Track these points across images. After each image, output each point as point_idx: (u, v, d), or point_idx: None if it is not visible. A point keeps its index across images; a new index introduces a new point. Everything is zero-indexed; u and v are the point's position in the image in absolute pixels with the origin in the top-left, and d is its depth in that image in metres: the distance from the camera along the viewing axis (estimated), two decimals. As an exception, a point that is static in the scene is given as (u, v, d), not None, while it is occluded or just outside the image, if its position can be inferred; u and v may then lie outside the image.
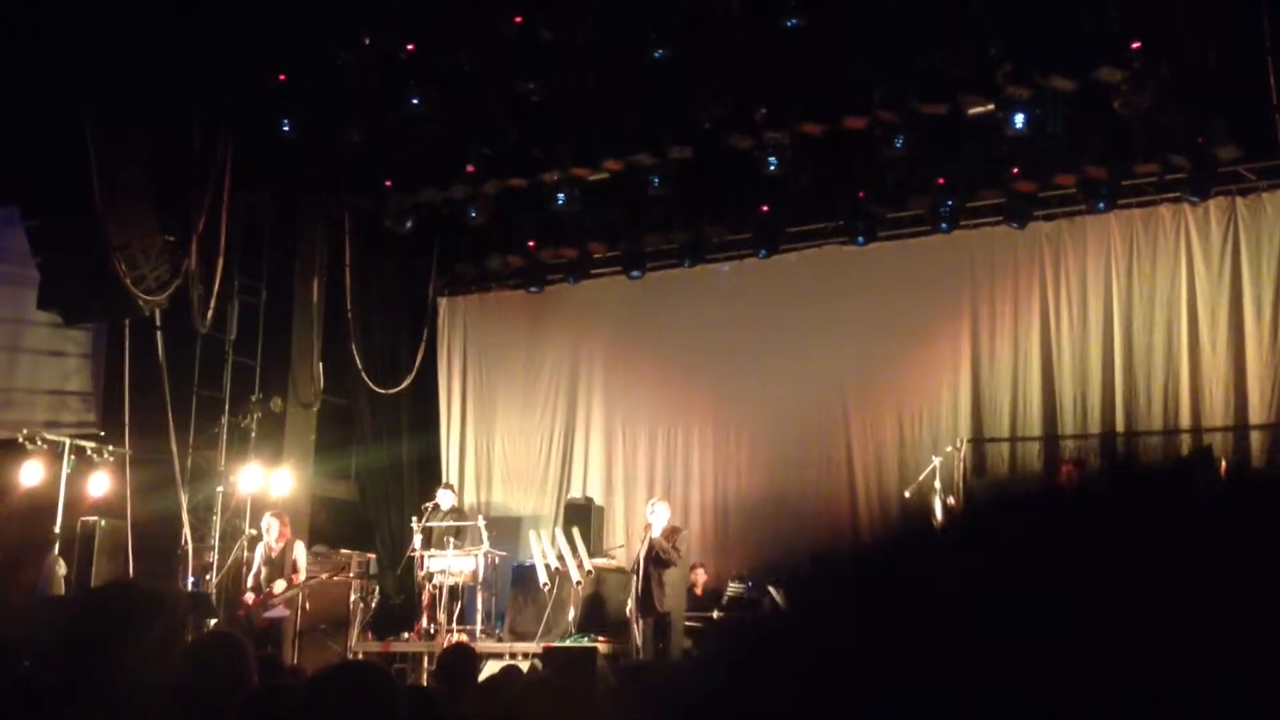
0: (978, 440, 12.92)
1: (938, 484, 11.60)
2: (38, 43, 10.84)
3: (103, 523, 11.53)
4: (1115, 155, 11.94)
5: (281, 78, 12.25)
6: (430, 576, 12.33)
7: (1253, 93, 10.49)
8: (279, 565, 11.29)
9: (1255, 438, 11.81)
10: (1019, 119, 11.20)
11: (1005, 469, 12.87)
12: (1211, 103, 11.03)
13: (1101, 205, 12.35)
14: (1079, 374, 12.71)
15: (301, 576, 11.28)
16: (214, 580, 12.17)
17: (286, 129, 12.44)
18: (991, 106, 11.28)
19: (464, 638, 11.70)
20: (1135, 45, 10.38)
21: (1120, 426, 12.40)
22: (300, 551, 11.48)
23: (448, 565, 12.14)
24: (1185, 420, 12.09)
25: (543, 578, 12.20)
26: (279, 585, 11.11)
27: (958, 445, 12.40)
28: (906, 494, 12.08)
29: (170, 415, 12.34)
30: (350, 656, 11.78)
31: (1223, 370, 12.01)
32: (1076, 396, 12.67)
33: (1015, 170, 12.28)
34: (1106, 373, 12.58)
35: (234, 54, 11.77)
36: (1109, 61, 10.55)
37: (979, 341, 13.28)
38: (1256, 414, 11.79)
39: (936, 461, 11.67)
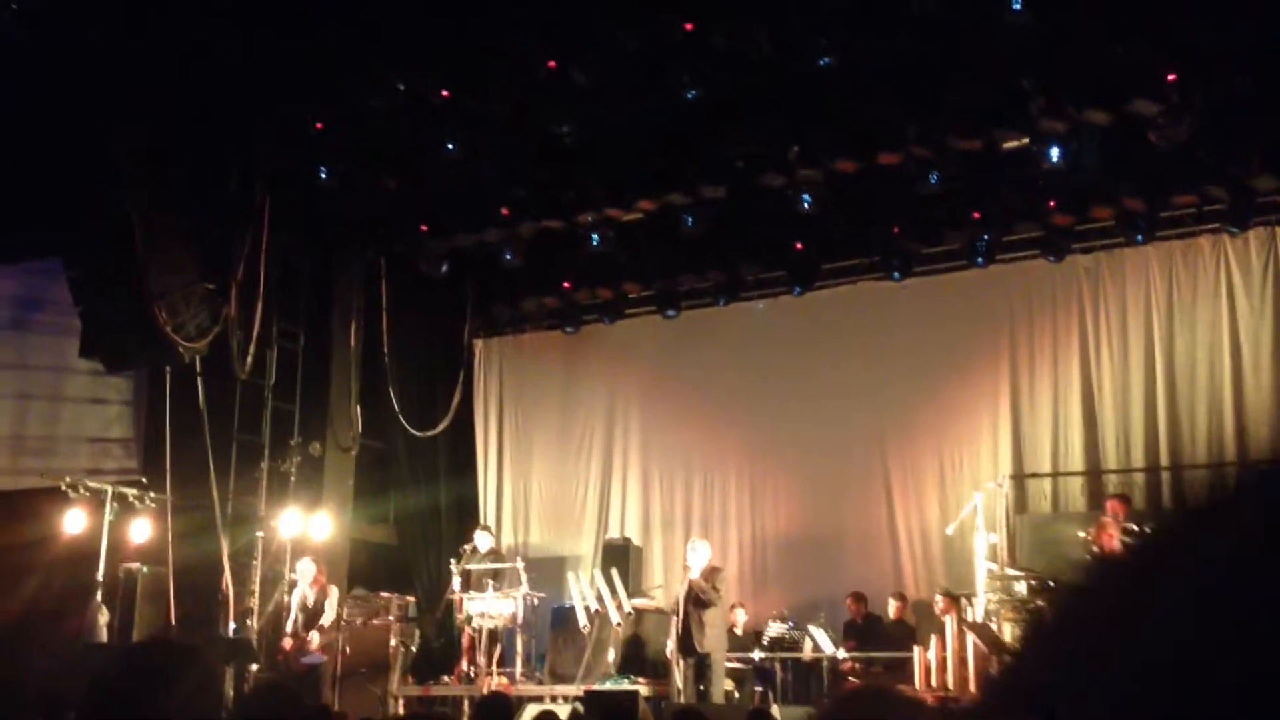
0: (1019, 476, 12.80)
1: (980, 521, 11.48)
2: (77, 94, 11.01)
3: (145, 569, 11.58)
4: (1152, 187, 11.88)
5: (318, 126, 12.37)
6: (469, 619, 12.30)
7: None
8: (315, 611, 11.31)
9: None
10: (1054, 152, 11.16)
11: (1048, 506, 12.73)
12: (1248, 133, 10.95)
13: (1140, 238, 12.28)
14: (1121, 408, 12.59)
15: (327, 622, 11.32)
16: (255, 625, 12.18)
17: (323, 176, 12.56)
18: (1026, 140, 11.25)
19: (504, 681, 11.66)
20: (1170, 77, 10.33)
21: (1165, 461, 12.26)
22: (333, 597, 11.50)
23: (487, 608, 12.11)
24: (1231, 453, 11.94)
25: (582, 620, 12.14)
26: (314, 635, 11.13)
27: (999, 482, 12.29)
28: (948, 531, 11.97)
29: (211, 461, 12.40)
30: (390, 701, 11.77)
31: (1267, 401, 11.86)
32: (1119, 431, 12.55)
33: (1052, 204, 12.24)
34: (1149, 406, 12.45)
35: (271, 103, 11.91)
36: (1144, 94, 10.51)
37: (1018, 376, 13.19)
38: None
39: (978, 499, 11.56)
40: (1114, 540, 9.99)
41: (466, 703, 11.74)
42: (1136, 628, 0.60)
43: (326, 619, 11.27)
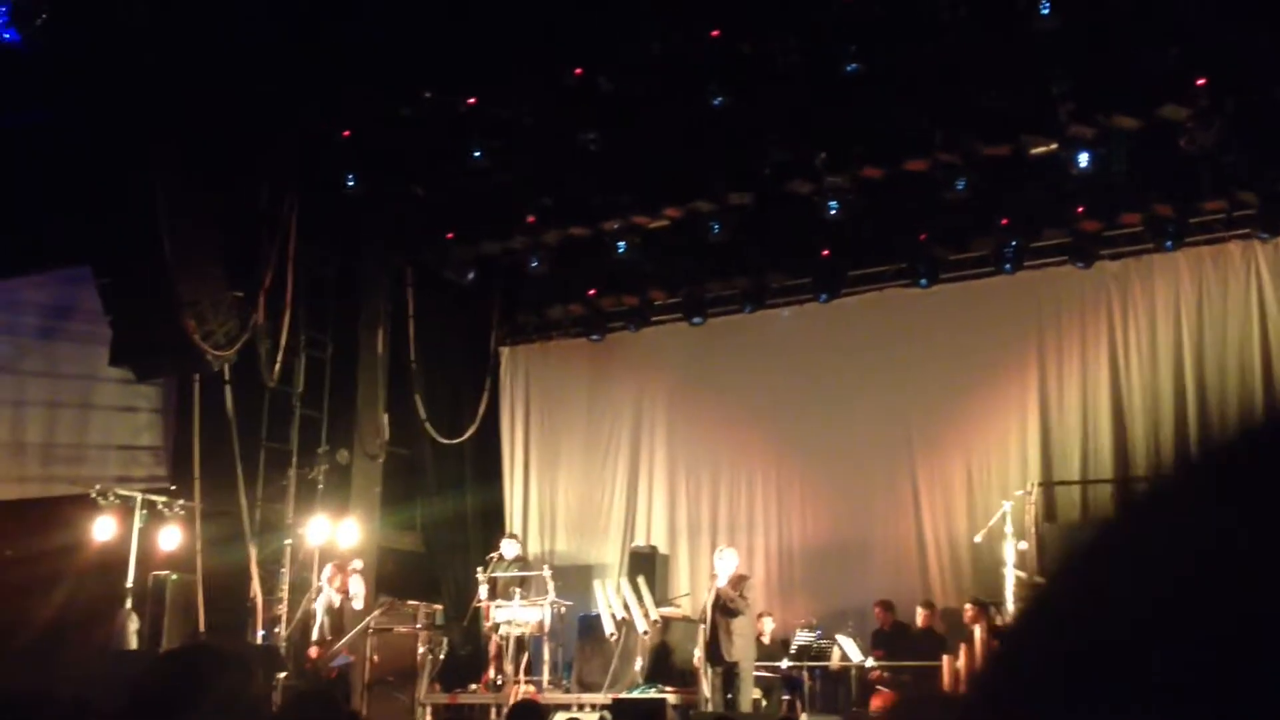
0: (1048, 484, 12.72)
1: (1009, 529, 11.41)
2: (107, 103, 11.09)
3: (174, 577, 11.64)
4: (1182, 193, 11.81)
5: (345, 134, 12.43)
6: (496, 627, 12.30)
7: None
8: (341, 615, 11.34)
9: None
10: (1083, 158, 11.10)
11: (1077, 514, 12.65)
12: (1278, 138, 10.87)
13: (1169, 244, 12.20)
14: (1150, 415, 12.49)
15: (357, 605, 11.37)
16: (283, 633, 12.22)
17: (351, 184, 12.61)
18: (1054, 146, 11.19)
19: (531, 689, 11.66)
20: (1200, 82, 10.27)
21: (1195, 468, 12.14)
22: (357, 585, 11.57)
23: (514, 616, 12.11)
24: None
25: (609, 628, 12.12)
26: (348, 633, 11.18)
27: (1028, 489, 12.21)
28: (977, 539, 11.90)
29: (239, 469, 12.47)
30: (418, 709, 11.79)
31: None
32: (1149, 438, 12.44)
33: (1080, 209, 12.18)
34: (1179, 413, 12.35)
35: (299, 112, 11.97)
36: (1173, 99, 10.45)
37: (1046, 383, 13.11)
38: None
39: (1007, 506, 11.49)
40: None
41: (494, 711, 11.74)
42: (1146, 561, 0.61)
43: (355, 602, 11.35)
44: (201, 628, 11.57)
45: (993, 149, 11.33)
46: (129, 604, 11.41)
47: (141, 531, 11.66)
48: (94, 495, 11.74)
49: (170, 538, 11.87)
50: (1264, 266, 12.13)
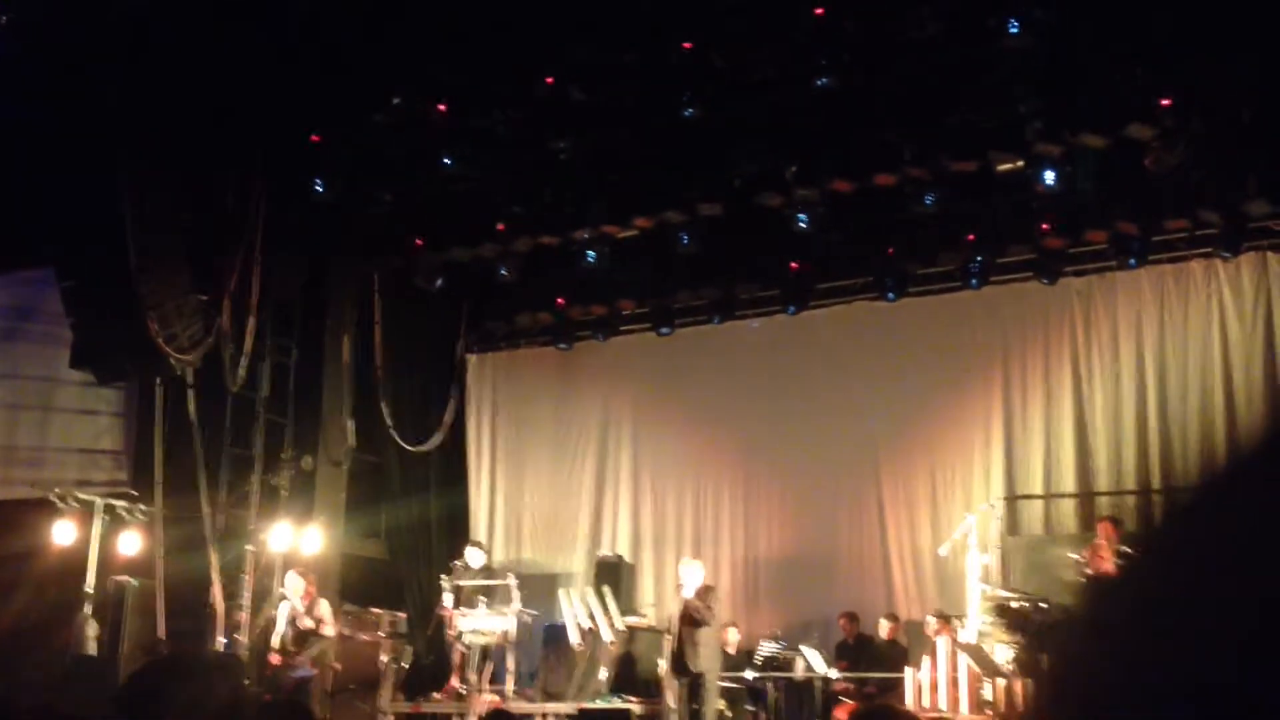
0: (1011, 498, 12.83)
1: (972, 542, 11.48)
2: (74, 104, 10.99)
3: (134, 582, 11.52)
4: (1146, 211, 11.93)
5: (315, 139, 12.37)
6: (461, 636, 12.25)
7: (1283, 148, 10.48)
8: (304, 624, 11.23)
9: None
10: (1049, 176, 11.21)
11: (1040, 528, 12.76)
12: (1243, 159, 11.02)
13: (1133, 261, 12.32)
14: (1113, 431, 12.62)
15: (329, 630, 11.22)
16: (245, 640, 12.12)
17: (319, 189, 12.54)
18: (1022, 163, 11.29)
19: (496, 698, 11.61)
20: (1165, 102, 10.40)
21: (1156, 484, 12.30)
22: (325, 609, 11.41)
23: (479, 624, 12.06)
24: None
25: (574, 637, 12.10)
26: (310, 648, 11.04)
27: (992, 503, 12.30)
28: (941, 552, 11.97)
29: (202, 474, 12.38)
30: (381, 718, 11.72)
31: (1258, 426, 11.88)
32: (1111, 453, 12.58)
33: (1046, 226, 12.27)
34: (1140, 429, 12.49)
35: (268, 115, 11.90)
36: (1139, 119, 10.57)
37: (1011, 398, 13.22)
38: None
39: (971, 520, 11.57)
40: (1106, 562, 10.01)
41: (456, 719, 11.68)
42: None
43: (325, 629, 11.18)
44: (162, 634, 11.46)
45: (961, 165, 11.41)
46: (88, 609, 11.30)
47: (102, 536, 11.56)
48: (54, 499, 11.62)
49: (131, 543, 11.76)
50: (1225, 286, 12.28)
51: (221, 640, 12.02)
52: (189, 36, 10.79)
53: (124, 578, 11.55)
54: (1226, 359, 12.18)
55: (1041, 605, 10.80)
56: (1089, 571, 10.17)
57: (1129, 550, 9.87)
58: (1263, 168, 11.04)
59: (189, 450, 12.31)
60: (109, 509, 11.75)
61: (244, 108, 11.65)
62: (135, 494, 12.18)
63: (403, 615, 13.26)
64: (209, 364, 12.18)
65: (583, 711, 10.87)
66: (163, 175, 11.42)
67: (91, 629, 11.29)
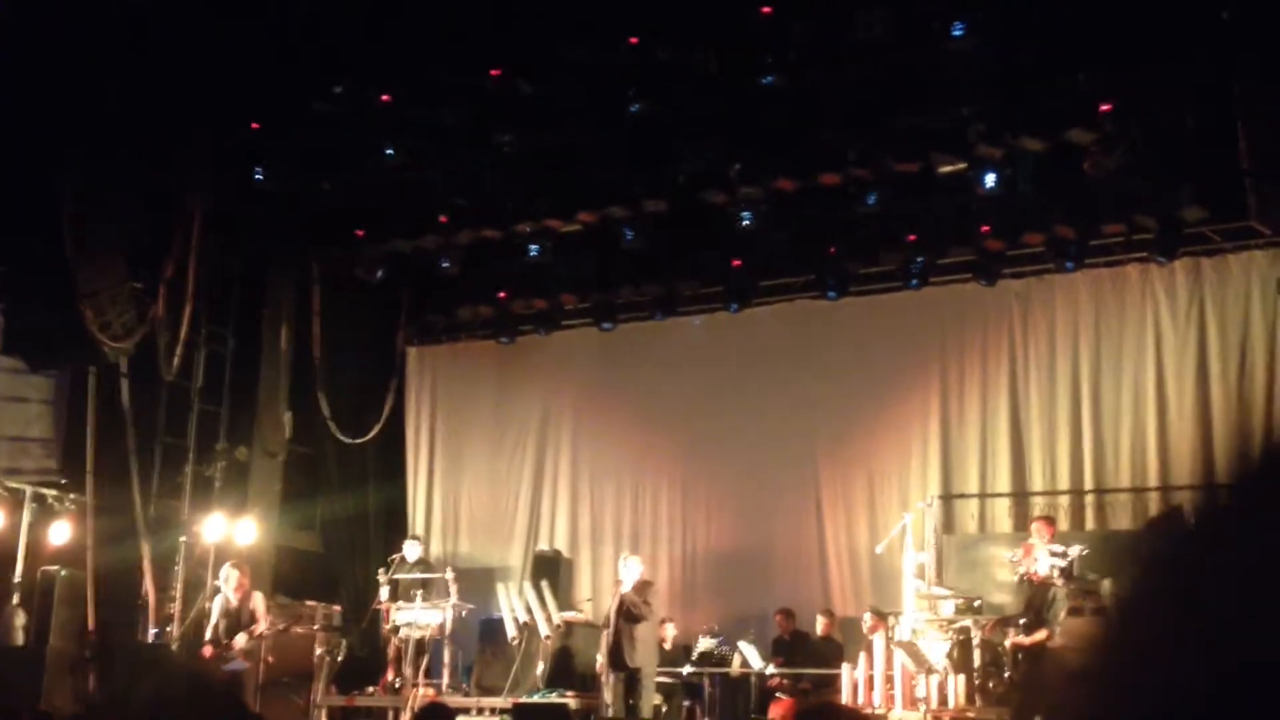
0: (947, 497, 12.96)
1: (909, 540, 11.59)
2: (7, 89, 10.77)
3: (63, 572, 11.32)
4: (1084, 215, 12.08)
5: (254, 126, 12.21)
6: (397, 629, 12.16)
7: (1220, 156, 10.65)
8: (238, 617, 11.07)
9: (1222, 498, 11.86)
10: (989, 178, 11.33)
11: (975, 526, 12.90)
12: (1180, 165, 11.19)
13: (1070, 265, 12.46)
14: (1047, 431, 12.79)
15: (261, 628, 11.07)
16: (176, 632, 11.95)
17: (259, 177, 12.38)
18: (963, 165, 11.40)
19: (431, 692, 11.55)
20: (1105, 108, 10.54)
21: (1089, 484, 12.48)
22: (259, 602, 11.26)
23: (415, 618, 11.99)
24: (1153, 479, 12.18)
25: (511, 631, 12.07)
26: (240, 638, 10.89)
27: (928, 502, 12.44)
28: (878, 550, 12.07)
29: (133, 463, 12.18)
30: (314, 711, 11.61)
31: (1189, 429, 12.12)
32: (1045, 454, 12.75)
33: (985, 228, 12.39)
34: (1074, 430, 12.66)
35: (207, 102, 11.73)
36: (1079, 123, 10.71)
37: (948, 398, 13.35)
38: (1223, 474, 11.86)
39: (908, 519, 11.68)
40: (1038, 561, 10.13)
41: (391, 714, 11.62)
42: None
43: (258, 624, 11.03)
44: (91, 625, 11.27)
45: (904, 166, 11.50)
46: (16, 599, 11.10)
47: (30, 525, 11.35)
48: (-19, 487, 11.38)
49: (60, 532, 11.55)
50: (1160, 290, 12.48)
51: (153, 632, 11.84)
52: (128, 22, 10.60)
53: (53, 567, 11.34)
54: (1159, 363, 12.38)
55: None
56: (1021, 571, 10.28)
57: (1060, 549, 9.99)
58: (1199, 174, 11.22)
59: (121, 439, 12.12)
60: (38, 498, 11.53)
61: (183, 94, 11.47)
62: (65, 483, 11.96)
63: (337, 608, 13.16)
64: (143, 352, 12.00)
65: (518, 706, 10.83)
66: (100, 161, 11.22)
67: (19, 619, 11.09)
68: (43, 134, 10.73)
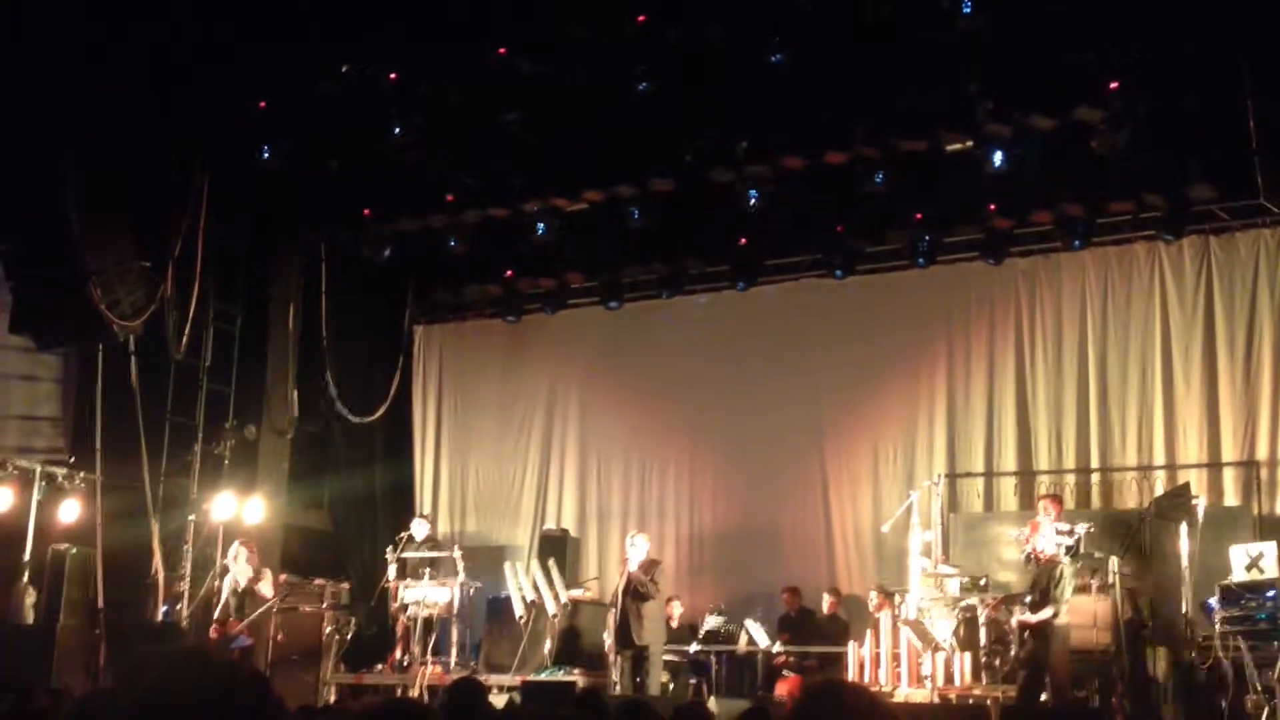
0: (953, 475, 12.97)
1: (914, 519, 11.62)
2: (14, 69, 10.75)
3: (73, 551, 11.37)
4: (1091, 193, 12.05)
5: (261, 105, 12.19)
6: (405, 608, 12.22)
7: (1229, 134, 10.62)
8: (247, 595, 11.14)
9: (1228, 475, 11.91)
10: (997, 156, 11.28)
11: (981, 505, 12.91)
12: (1187, 143, 11.15)
13: (1077, 243, 12.46)
14: (1054, 410, 12.80)
15: (270, 604, 11.13)
16: (185, 610, 12.01)
17: (266, 156, 12.37)
18: (971, 144, 11.36)
19: (439, 670, 11.61)
20: (1113, 86, 10.49)
21: (1095, 463, 12.49)
22: (267, 580, 11.32)
23: (422, 596, 12.04)
24: (1160, 457, 12.19)
25: (518, 610, 12.12)
26: (250, 618, 10.95)
27: (934, 480, 12.45)
28: (884, 529, 12.09)
29: (143, 442, 12.20)
30: (323, 688, 11.67)
31: (1196, 407, 12.12)
32: (1051, 432, 12.76)
33: (993, 207, 12.37)
34: (1081, 409, 12.67)
35: (214, 81, 11.72)
36: (1088, 101, 10.66)
37: (954, 376, 13.35)
38: (1229, 452, 11.90)
39: (914, 497, 11.70)
40: (1045, 539, 10.11)
41: (400, 691, 11.66)
42: None
43: (267, 600, 11.09)
44: (100, 604, 11.32)
45: (911, 144, 11.45)
46: (26, 578, 11.14)
47: (40, 504, 11.38)
48: (-9, 465, 11.42)
49: (70, 511, 11.59)
50: (1167, 268, 12.46)
51: (162, 610, 11.90)
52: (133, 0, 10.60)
53: (63, 546, 11.39)
54: (1166, 340, 12.37)
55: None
56: (1029, 548, 10.28)
57: (1066, 527, 9.99)
58: (1206, 153, 11.18)
59: (130, 418, 12.13)
60: (48, 476, 11.56)
61: (190, 72, 11.46)
62: (74, 461, 11.99)
63: (345, 586, 13.21)
64: (151, 331, 12.01)
65: (526, 684, 10.88)
66: (106, 139, 11.21)
67: (29, 597, 11.14)
68: (50, 112, 10.72)
